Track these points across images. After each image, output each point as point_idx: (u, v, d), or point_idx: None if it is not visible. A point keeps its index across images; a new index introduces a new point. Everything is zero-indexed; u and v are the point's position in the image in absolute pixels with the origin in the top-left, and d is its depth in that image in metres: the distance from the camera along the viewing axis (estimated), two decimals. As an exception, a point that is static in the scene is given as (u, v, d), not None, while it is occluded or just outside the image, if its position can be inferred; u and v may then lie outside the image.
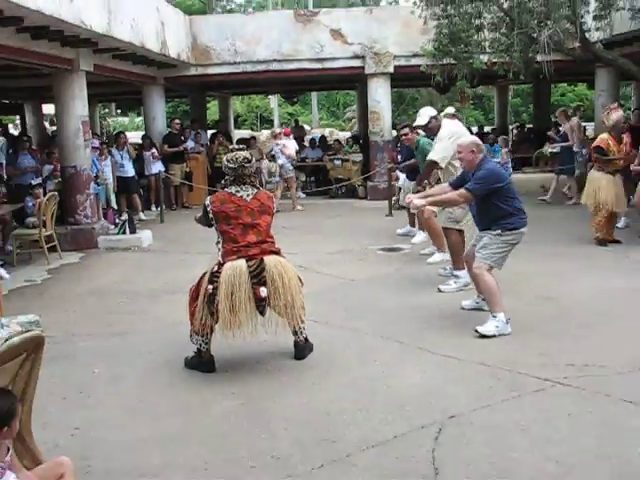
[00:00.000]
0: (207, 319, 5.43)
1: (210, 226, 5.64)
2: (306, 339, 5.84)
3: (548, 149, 16.36)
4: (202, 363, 5.60)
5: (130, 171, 14.30)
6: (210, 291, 5.38)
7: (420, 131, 9.41)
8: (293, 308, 5.49)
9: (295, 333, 5.76)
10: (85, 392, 5.30)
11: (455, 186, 6.58)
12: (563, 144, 14.75)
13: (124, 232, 11.51)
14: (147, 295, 8.18)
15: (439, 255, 9.05)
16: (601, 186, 9.80)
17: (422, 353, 5.85)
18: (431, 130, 8.34)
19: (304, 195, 17.56)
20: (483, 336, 6.08)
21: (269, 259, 5.46)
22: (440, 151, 7.98)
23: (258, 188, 5.67)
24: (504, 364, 5.47)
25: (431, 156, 8.11)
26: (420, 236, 10.44)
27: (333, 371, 5.51)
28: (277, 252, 5.63)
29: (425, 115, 8.34)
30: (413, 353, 5.87)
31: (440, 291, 7.71)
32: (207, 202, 5.60)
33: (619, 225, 10.77)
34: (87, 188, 11.71)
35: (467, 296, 7.11)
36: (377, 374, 5.42)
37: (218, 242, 5.60)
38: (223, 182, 5.69)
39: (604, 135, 9.96)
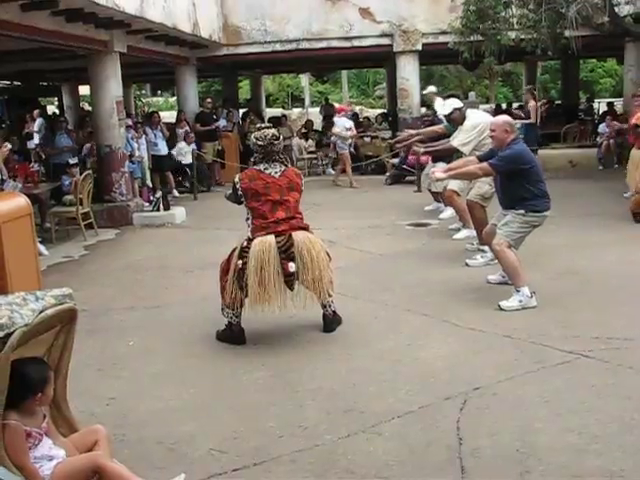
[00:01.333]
0: (237, 293, 5.47)
1: (240, 203, 5.65)
2: (334, 312, 5.86)
3: None
4: (233, 336, 5.64)
5: (163, 149, 14.33)
6: (240, 266, 5.41)
7: None
8: (321, 282, 5.50)
9: (323, 306, 5.78)
10: (120, 363, 5.38)
11: (482, 160, 6.53)
12: (525, 121, 14.59)
13: (158, 209, 11.61)
14: (180, 270, 8.25)
15: (465, 231, 9.00)
16: None
17: (448, 326, 5.83)
18: (454, 120, 8.44)
19: (334, 171, 17.50)
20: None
21: (297, 235, 5.47)
22: (463, 139, 8.00)
23: (287, 165, 5.68)
24: (529, 337, 5.44)
25: (454, 143, 8.11)
26: (448, 211, 10.36)
27: (360, 343, 5.53)
28: (305, 228, 5.63)
29: (449, 106, 8.51)
30: (439, 326, 5.86)
31: (467, 265, 7.68)
32: (236, 179, 5.63)
33: None
34: (122, 166, 11.80)
35: (493, 270, 7.05)
36: (403, 346, 5.42)
37: (248, 218, 5.62)
38: (252, 159, 5.71)
39: None
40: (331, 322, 5.83)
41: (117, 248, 9.97)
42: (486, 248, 7.60)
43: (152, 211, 11.71)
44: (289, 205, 5.54)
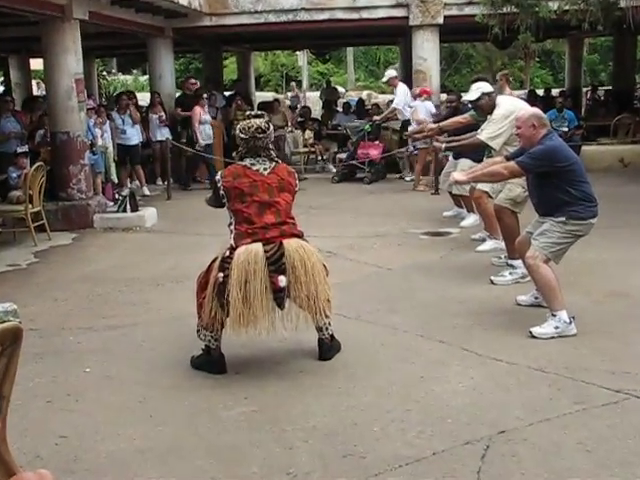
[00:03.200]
0: (217, 312, 5.47)
1: (222, 206, 5.67)
2: (332, 337, 5.86)
3: None
4: (211, 363, 5.65)
5: (133, 138, 14.36)
6: (220, 280, 5.42)
7: None
8: (317, 300, 5.50)
9: (319, 330, 5.78)
10: (74, 394, 5.37)
11: (510, 159, 6.55)
12: None
13: (124, 210, 11.62)
14: (149, 283, 8.25)
15: (491, 242, 9.00)
16: None
17: (469, 355, 5.84)
18: (481, 108, 8.31)
19: (335, 168, 17.54)
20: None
21: (289, 243, 5.49)
22: (493, 132, 7.87)
23: (277, 161, 5.69)
24: (567, 371, 5.45)
25: (481, 136, 8.01)
26: (471, 218, 10.39)
27: (363, 375, 5.53)
28: (299, 235, 5.65)
29: (477, 90, 8.31)
30: (458, 355, 5.87)
31: (492, 283, 7.69)
32: (218, 177, 5.65)
33: None
34: (81, 158, 11.81)
35: (525, 290, 7.07)
36: (415, 379, 5.43)
37: (230, 224, 5.63)
38: (236, 154, 5.73)
39: None
40: (328, 349, 5.84)
41: (74, 255, 9.98)
42: (516, 263, 7.61)
43: (117, 212, 11.73)
44: (279, 208, 5.55)
